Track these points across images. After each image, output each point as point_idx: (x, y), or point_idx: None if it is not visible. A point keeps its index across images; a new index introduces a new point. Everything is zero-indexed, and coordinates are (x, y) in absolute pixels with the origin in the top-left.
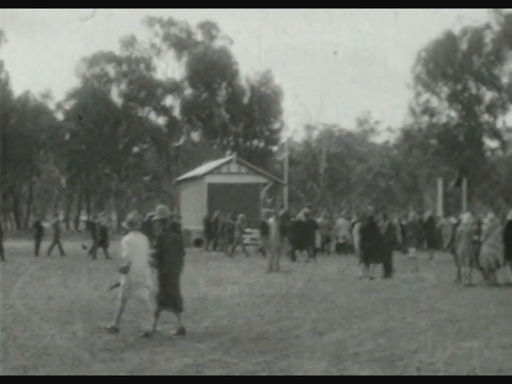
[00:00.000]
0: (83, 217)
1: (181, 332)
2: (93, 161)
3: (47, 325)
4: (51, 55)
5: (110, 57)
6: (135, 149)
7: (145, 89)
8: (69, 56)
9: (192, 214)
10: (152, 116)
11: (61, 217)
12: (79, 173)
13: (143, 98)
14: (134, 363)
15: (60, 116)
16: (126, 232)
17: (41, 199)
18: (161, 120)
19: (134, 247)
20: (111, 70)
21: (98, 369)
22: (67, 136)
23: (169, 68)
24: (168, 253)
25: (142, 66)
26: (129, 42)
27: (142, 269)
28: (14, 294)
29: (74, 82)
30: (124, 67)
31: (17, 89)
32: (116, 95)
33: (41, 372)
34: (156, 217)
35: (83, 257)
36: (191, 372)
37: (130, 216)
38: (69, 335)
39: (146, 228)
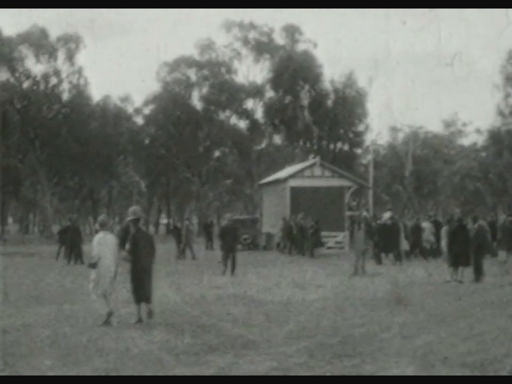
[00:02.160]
0: (163, 221)
1: (149, 315)
2: (173, 165)
3: (128, 327)
4: (131, 59)
5: (191, 62)
6: (216, 153)
7: (226, 92)
8: (148, 60)
9: (274, 217)
10: (234, 119)
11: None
12: (159, 177)
13: (224, 102)
14: (218, 366)
15: (139, 121)
16: (97, 232)
17: (120, 203)
18: (242, 124)
19: (103, 245)
20: (192, 74)
21: (181, 372)
22: (147, 141)
23: (251, 71)
24: (140, 249)
25: (223, 70)
26: (208, 46)
27: (110, 265)
28: (93, 297)
29: (154, 87)
30: (205, 71)
31: (96, 94)
32: (196, 99)
33: (124, 374)
34: (129, 218)
35: (163, 260)
36: (276, 374)
37: (100, 218)
38: (150, 338)
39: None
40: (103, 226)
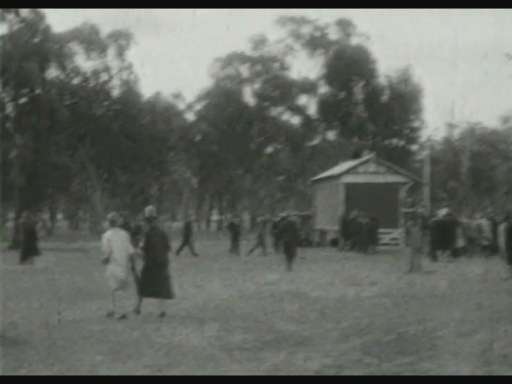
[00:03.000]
0: (214, 217)
1: (162, 315)
2: (225, 161)
3: (180, 323)
4: (182, 56)
5: (243, 58)
6: (269, 149)
7: (279, 88)
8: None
9: (327, 214)
10: (286, 115)
11: (192, 217)
12: (210, 173)
13: (277, 97)
14: (271, 363)
15: (191, 117)
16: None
17: (171, 200)
18: (295, 120)
19: (113, 242)
20: (244, 70)
21: (234, 369)
22: (198, 137)
23: (304, 66)
24: (153, 247)
25: (276, 65)
26: (261, 41)
27: (122, 259)
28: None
29: (205, 83)
30: (258, 67)
31: (147, 90)
32: (248, 95)
33: (175, 371)
34: (146, 216)
35: (214, 257)
36: (330, 373)
37: (110, 215)
38: (202, 334)
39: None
40: (113, 223)
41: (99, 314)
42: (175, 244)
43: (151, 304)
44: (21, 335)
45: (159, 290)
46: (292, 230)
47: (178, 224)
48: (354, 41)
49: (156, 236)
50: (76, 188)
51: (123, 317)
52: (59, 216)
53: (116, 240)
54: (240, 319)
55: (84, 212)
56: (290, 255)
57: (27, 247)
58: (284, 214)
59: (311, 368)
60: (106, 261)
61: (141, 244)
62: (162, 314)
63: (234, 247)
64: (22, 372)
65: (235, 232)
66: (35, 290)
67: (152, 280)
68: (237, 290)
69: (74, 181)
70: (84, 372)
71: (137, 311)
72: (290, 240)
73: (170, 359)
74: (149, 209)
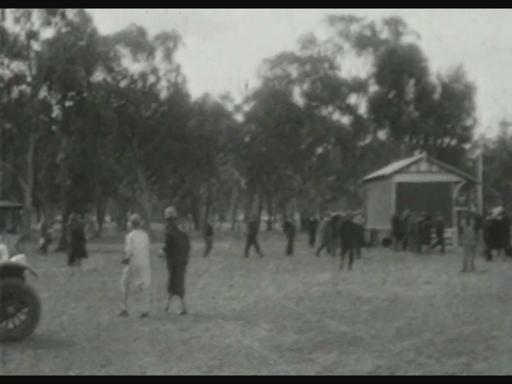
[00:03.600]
0: (264, 218)
1: (184, 313)
2: (274, 162)
3: (230, 325)
4: (230, 56)
5: (292, 58)
6: (319, 149)
7: (328, 88)
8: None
9: (379, 213)
10: (336, 115)
11: (241, 217)
12: (259, 174)
13: (326, 97)
14: (323, 364)
15: (239, 118)
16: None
17: (219, 201)
18: (345, 119)
19: (136, 242)
20: (293, 70)
21: (285, 369)
22: (247, 138)
23: (354, 66)
24: (175, 247)
25: (325, 65)
26: (309, 41)
27: (141, 260)
28: (196, 294)
29: (254, 84)
30: (307, 67)
31: (195, 92)
32: (298, 95)
33: (226, 372)
34: (167, 217)
35: (264, 257)
36: (384, 373)
37: (133, 216)
38: (253, 335)
39: (330, 226)
40: (136, 225)
41: (148, 316)
42: (224, 244)
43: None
44: (70, 336)
45: (182, 288)
46: (351, 230)
47: (227, 225)
48: (405, 39)
49: (178, 236)
50: (123, 189)
51: (122, 314)
52: (107, 218)
53: (138, 241)
54: (291, 320)
55: (131, 214)
56: (350, 255)
57: (75, 249)
58: (335, 214)
59: (364, 368)
60: (127, 261)
61: (164, 245)
62: (184, 313)
63: (290, 247)
64: (72, 374)
65: (291, 232)
66: (83, 292)
67: (176, 279)
68: (288, 291)
69: (122, 183)
70: (133, 373)
71: (166, 309)
72: (350, 240)
73: (221, 360)
74: (169, 211)
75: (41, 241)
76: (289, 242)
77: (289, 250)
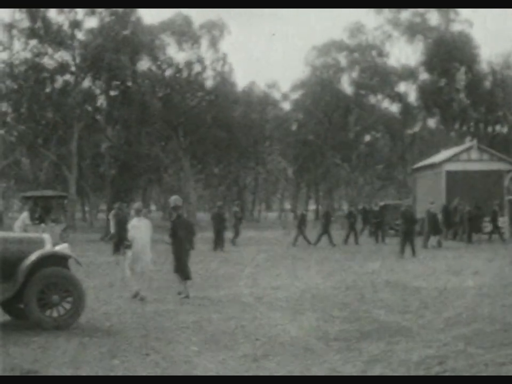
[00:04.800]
0: (311, 207)
1: (186, 297)
2: (322, 151)
3: (276, 314)
4: (277, 45)
5: (340, 46)
6: (367, 138)
7: (377, 76)
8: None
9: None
10: (385, 103)
11: (288, 207)
12: (306, 163)
13: (375, 85)
14: (371, 353)
15: (286, 106)
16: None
17: (266, 190)
18: (394, 108)
19: (137, 229)
20: (341, 58)
21: (333, 359)
22: (294, 127)
23: (403, 53)
24: (179, 233)
25: (374, 53)
26: (358, 29)
27: (143, 246)
28: (242, 283)
29: (301, 72)
30: (355, 55)
31: (242, 80)
32: (346, 84)
33: (272, 361)
34: (171, 205)
35: (312, 247)
36: (433, 363)
37: (136, 205)
38: (300, 324)
39: (379, 215)
40: (138, 212)
41: (192, 305)
42: (270, 233)
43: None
44: (114, 325)
45: (186, 272)
46: (410, 219)
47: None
48: (456, 27)
49: (182, 224)
50: (168, 178)
51: (136, 295)
52: (152, 207)
53: (139, 228)
54: (338, 309)
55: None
56: (411, 244)
57: (119, 238)
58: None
59: (412, 358)
60: (129, 246)
61: (169, 232)
62: (187, 297)
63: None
64: (116, 362)
65: (353, 221)
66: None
67: (180, 263)
68: (335, 280)
69: (167, 172)
70: (179, 362)
71: (186, 296)
72: (409, 228)
73: (267, 349)
74: (174, 199)
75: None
76: (350, 232)
77: (330, 240)
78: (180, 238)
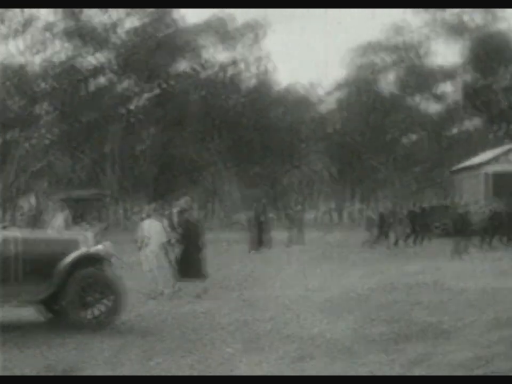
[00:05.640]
0: (349, 208)
1: (198, 296)
2: (360, 152)
3: (315, 315)
4: (317, 45)
5: (379, 46)
6: (406, 139)
7: (417, 76)
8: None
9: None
10: (424, 104)
11: (323, 208)
12: (344, 164)
13: (415, 86)
14: (411, 355)
15: (325, 107)
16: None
17: (303, 191)
18: (434, 108)
19: (149, 230)
20: (380, 59)
21: (372, 361)
22: (332, 128)
23: (442, 54)
24: (188, 234)
25: (413, 53)
26: (397, 30)
27: (155, 246)
28: (280, 284)
29: (340, 73)
30: (394, 56)
31: (282, 81)
32: (384, 85)
33: (311, 363)
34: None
35: (352, 247)
36: (475, 365)
37: (147, 207)
38: (339, 325)
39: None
40: (150, 214)
41: (229, 306)
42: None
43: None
44: (151, 326)
45: (193, 272)
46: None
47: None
48: (500, 26)
49: (190, 225)
50: (206, 179)
51: (161, 294)
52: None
53: (151, 229)
54: (378, 311)
55: (214, 204)
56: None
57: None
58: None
59: (454, 360)
60: (145, 245)
61: (179, 231)
62: (198, 296)
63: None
64: (152, 364)
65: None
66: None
67: (188, 263)
68: (375, 281)
69: (205, 173)
70: (216, 363)
71: (177, 291)
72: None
73: (305, 351)
74: (185, 201)
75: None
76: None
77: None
78: (188, 238)
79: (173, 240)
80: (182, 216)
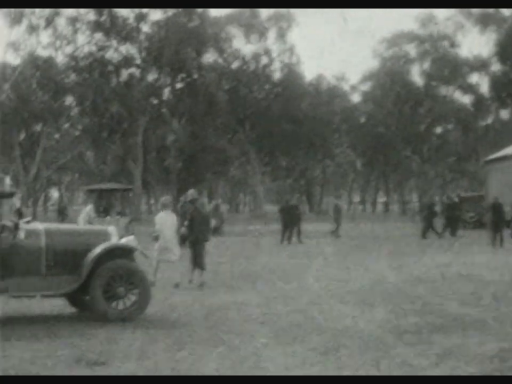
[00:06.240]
0: (380, 199)
1: (202, 285)
2: (392, 143)
3: (346, 306)
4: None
5: (410, 37)
6: (438, 130)
7: (449, 67)
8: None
9: (502, 195)
10: (457, 94)
11: (357, 199)
12: (376, 155)
13: (446, 77)
14: (443, 346)
15: (355, 98)
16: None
17: (334, 182)
18: (466, 99)
19: (164, 222)
20: (411, 49)
21: (404, 352)
22: (363, 119)
23: (475, 44)
24: (196, 226)
25: (445, 43)
26: (429, 19)
27: (169, 238)
28: (310, 275)
29: (370, 64)
30: (426, 46)
31: (310, 72)
32: (416, 75)
33: (343, 353)
34: (188, 199)
35: (381, 238)
36: (507, 357)
37: (162, 199)
38: (370, 317)
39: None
40: (165, 206)
41: (262, 297)
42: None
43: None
44: (181, 317)
45: (200, 262)
46: (499, 211)
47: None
48: None
49: (198, 216)
50: (235, 171)
51: (176, 285)
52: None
53: (166, 221)
54: (409, 302)
55: (244, 196)
56: (500, 235)
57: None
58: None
59: (486, 352)
60: (157, 238)
61: (186, 223)
62: (202, 285)
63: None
64: (183, 354)
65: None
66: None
67: (194, 253)
68: (406, 273)
69: (234, 165)
70: (247, 354)
71: (190, 281)
72: (498, 220)
73: (336, 342)
74: (191, 193)
75: (214, 223)
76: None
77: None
78: (196, 229)
79: (182, 229)
80: (192, 206)
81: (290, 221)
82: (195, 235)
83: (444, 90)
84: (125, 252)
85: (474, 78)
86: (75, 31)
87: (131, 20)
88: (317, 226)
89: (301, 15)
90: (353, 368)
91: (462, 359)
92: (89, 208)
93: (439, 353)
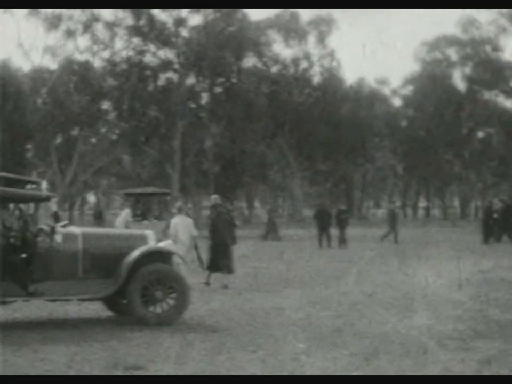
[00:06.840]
0: (422, 204)
1: (225, 287)
2: (433, 147)
3: (387, 312)
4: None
5: (452, 40)
6: (480, 134)
7: (491, 71)
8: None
9: None
10: (500, 98)
11: (398, 203)
12: (417, 159)
13: (489, 80)
14: (486, 353)
15: (396, 102)
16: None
17: (375, 187)
18: (509, 103)
19: (179, 226)
20: (452, 53)
21: (446, 358)
22: (404, 123)
23: None
24: (218, 229)
25: (488, 47)
26: (470, 23)
27: (185, 241)
28: (351, 280)
29: (412, 68)
30: (468, 49)
31: (350, 76)
32: (458, 79)
33: (383, 359)
34: (212, 203)
35: (422, 244)
36: None
37: (177, 204)
38: (411, 322)
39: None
40: (180, 211)
41: (301, 302)
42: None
43: (218, 278)
44: (219, 322)
45: (221, 265)
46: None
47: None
48: None
49: (220, 220)
50: (274, 176)
51: (225, 286)
52: (256, 204)
53: (181, 225)
54: (451, 308)
55: (283, 200)
56: None
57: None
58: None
59: None
60: (173, 242)
61: (210, 227)
62: (225, 287)
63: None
64: (222, 358)
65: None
66: (233, 279)
67: (216, 257)
68: (448, 278)
69: (272, 169)
70: (286, 359)
71: (207, 284)
72: None
73: (377, 347)
74: (214, 198)
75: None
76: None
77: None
78: (220, 234)
79: (196, 233)
80: (215, 211)
81: (325, 225)
82: (216, 240)
83: (486, 94)
84: (163, 256)
85: None
86: (113, 36)
87: (170, 25)
88: (358, 231)
89: (342, 19)
90: (394, 374)
91: (504, 366)
92: (126, 212)
93: (482, 359)
